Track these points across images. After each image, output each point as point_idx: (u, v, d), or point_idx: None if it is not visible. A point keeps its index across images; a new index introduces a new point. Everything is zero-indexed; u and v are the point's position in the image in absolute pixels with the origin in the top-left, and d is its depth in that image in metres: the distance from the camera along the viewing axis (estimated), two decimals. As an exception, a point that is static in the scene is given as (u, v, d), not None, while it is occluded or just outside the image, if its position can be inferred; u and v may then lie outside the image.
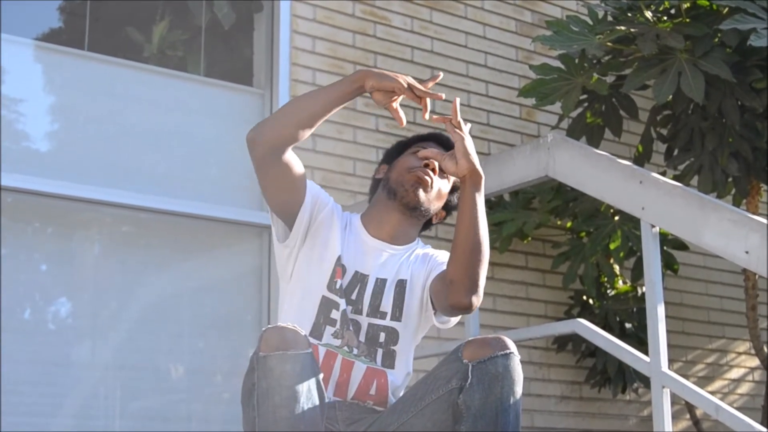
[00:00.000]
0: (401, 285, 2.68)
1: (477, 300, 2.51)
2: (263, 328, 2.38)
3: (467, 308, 2.51)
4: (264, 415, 2.30)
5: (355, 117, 4.72)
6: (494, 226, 4.86)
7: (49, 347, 4.03)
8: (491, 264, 4.93)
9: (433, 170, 2.70)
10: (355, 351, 2.63)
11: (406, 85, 2.50)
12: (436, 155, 2.59)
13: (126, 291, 4.25)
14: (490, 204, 4.88)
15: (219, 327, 4.37)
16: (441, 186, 2.73)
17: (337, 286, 2.63)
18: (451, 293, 2.51)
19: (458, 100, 2.56)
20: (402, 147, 2.84)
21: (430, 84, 2.54)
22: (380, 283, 2.66)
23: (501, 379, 2.37)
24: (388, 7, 4.96)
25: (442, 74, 2.58)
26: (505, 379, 2.38)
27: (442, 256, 2.72)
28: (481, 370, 2.38)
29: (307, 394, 2.30)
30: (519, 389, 2.40)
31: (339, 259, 2.65)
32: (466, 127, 2.53)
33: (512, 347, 2.41)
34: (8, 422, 3.81)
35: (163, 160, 4.41)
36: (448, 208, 2.81)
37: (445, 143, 2.77)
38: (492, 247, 4.89)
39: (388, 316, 2.65)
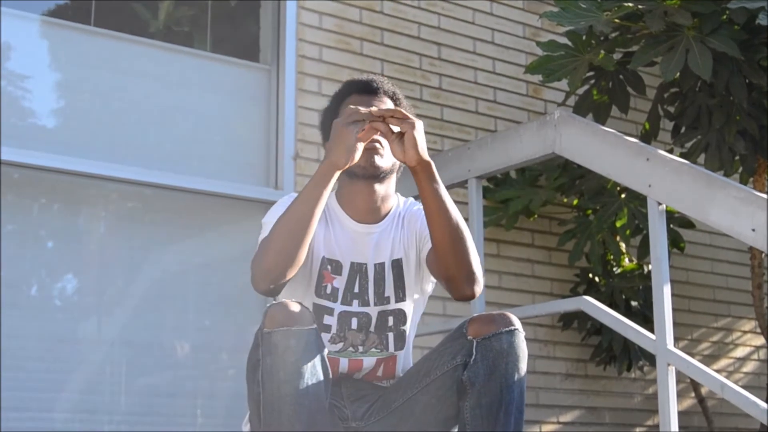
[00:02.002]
0: (398, 265, 2.62)
1: (479, 287, 2.46)
2: (267, 305, 2.37)
3: (472, 298, 2.47)
4: (269, 390, 2.30)
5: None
6: (501, 204, 4.86)
7: (54, 324, 4.03)
8: (497, 241, 4.94)
9: (378, 130, 2.48)
10: (361, 348, 2.60)
11: (360, 115, 2.43)
12: (385, 132, 2.45)
13: (131, 267, 4.25)
14: (496, 181, 4.88)
15: (224, 304, 4.37)
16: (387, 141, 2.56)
17: (328, 291, 2.58)
18: (451, 289, 2.47)
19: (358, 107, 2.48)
20: (333, 115, 2.67)
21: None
22: (379, 269, 2.61)
23: (505, 355, 2.38)
24: (394, -17, 4.94)
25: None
26: (510, 356, 2.38)
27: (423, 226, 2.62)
28: (486, 346, 2.38)
29: (312, 369, 2.30)
30: (524, 366, 2.40)
31: (323, 260, 2.58)
32: (419, 122, 2.43)
33: (517, 324, 2.41)
34: (14, 397, 3.82)
35: (169, 136, 4.41)
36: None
37: (365, 87, 2.67)
38: (498, 225, 4.89)
39: (392, 299, 2.62)
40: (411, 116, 2.43)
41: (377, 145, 2.56)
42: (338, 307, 2.57)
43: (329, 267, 2.59)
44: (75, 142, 4.17)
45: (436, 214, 2.42)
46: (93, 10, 4.35)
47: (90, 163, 4.12)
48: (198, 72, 4.54)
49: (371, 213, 2.63)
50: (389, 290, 2.61)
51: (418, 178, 2.43)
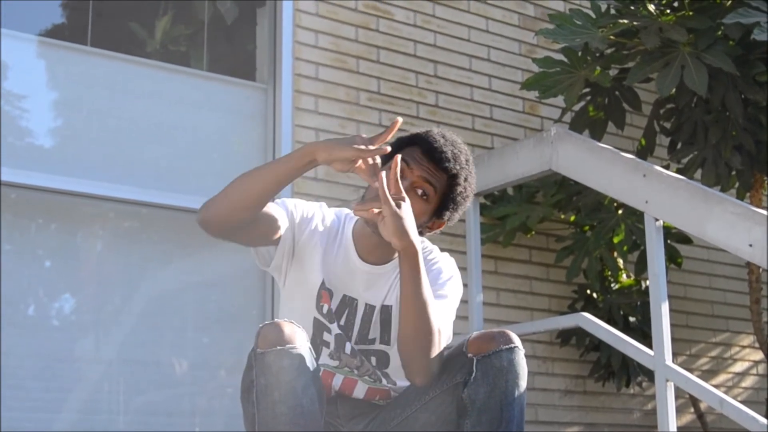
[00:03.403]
0: (386, 312, 2.57)
1: (429, 379, 2.40)
2: (260, 325, 2.36)
3: (419, 386, 2.43)
4: (263, 411, 2.29)
5: (359, 111, 4.72)
6: (498, 220, 4.86)
7: (52, 342, 4.03)
8: (494, 258, 4.94)
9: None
10: (356, 372, 2.58)
11: (357, 151, 2.30)
12: (372, 217, 2.33)
13: (129, 286, 4.25)
14: (493, 198, 4.88)
15: (223, 322, 4.36)
16: (415, 208, 2.43)
17: (324, 311, 2.54)
18: (403, 368, 2.42)
19: (400, 121, 2.34)
20: (397, 143, 2.55)
21: (391, 133, 2.34)
22: (369, 310, 2.56)
23: (506, 373, 2.37)
24: (390, 1, 4.95)
25: (401, 120, 2.36)
26: (510, 374, 2.37)
27: (434, 270, 2.55)
28: (486, 364, 2.37)
29: (306, 389, 2.29)
30: (523, 383, 2.40)
31: (323, 283, 2.54)
32: (406, 205, 2.32)
33: (517, 341, 2.40)
34: (12, 417, 3.81)
35: (166, 155, 4.41)
36: (441, 215, 2.55)
37: (429, 149, 2.50)
38: (495, 241, 4.89)
39: (377, 341, 2.58)
40: (392, 200, 2.29)
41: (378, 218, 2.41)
42: (335, 328, 2.55)
43: (327, 291, 2.56)
44: (72, 162, 4.17)
45: (405, 302, 2.35)
46: (90, 30, 4.35)
47: (87, 183, 4.12)
48: (195, 91, 4.54)
49: (378, 257, 2.57)
50: (374, 332, 2.57)
51: (400, 260, 2.35)
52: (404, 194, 2.34)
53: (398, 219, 2.30)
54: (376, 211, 2.33)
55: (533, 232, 5.04)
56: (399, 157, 2.35)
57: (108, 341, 4.18)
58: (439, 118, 4.96)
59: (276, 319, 2.37)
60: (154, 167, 4.35)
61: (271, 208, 2.48)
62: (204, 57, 4.67)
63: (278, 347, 2.28)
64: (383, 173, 2.30)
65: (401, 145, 2.53)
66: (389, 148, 2.33)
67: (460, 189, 2.53)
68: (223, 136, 4.53)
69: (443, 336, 2.40)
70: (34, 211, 4.08)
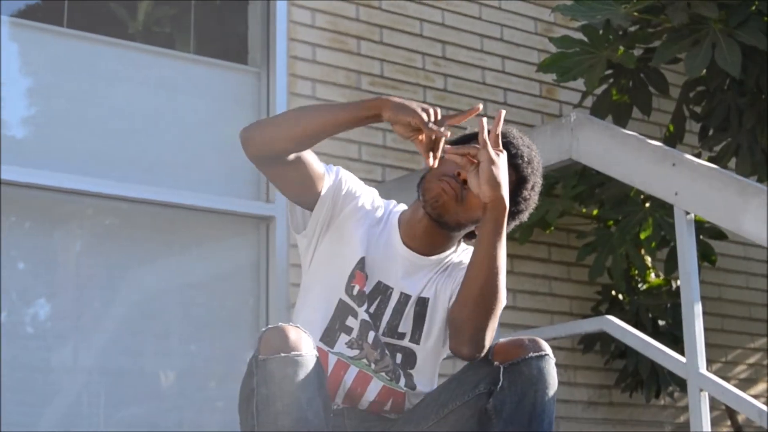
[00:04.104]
0: (422, 304, 2.59)
1: (478, 352, 2.43)
2: (262, 329, 2.36)
3: (465, 359, 2.46)
4: (264, 423, 2.29)
5: (359, 96, 4.70)
6: (513, 215, 4.86)
7: (26, 351, 4.04)
8: (510, 257, 4.91)
9: (464, 178, 2.49)
10: (373, 366, 2.58)
11: (426, 119, 2.37)
12: (465, 162, 2.43)
13: (110, 289, 4.25)
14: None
15: (212, 327, 4.37)
16: (470, 197, 2.52)
17: (355, 292, 2.56)
18: (451, 336, 2.47)
19: (503, 113, 2.43)
20: (462, 138, 2.63)
21: (466, 117, 2.43)
22: (403, 300, 2.59)
23: (535, 382, 2.39)
24: (394, -23, 4.95)
25: (481, 105, 2.46)
26: (540, 383, 2.39)
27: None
28: (514, 372, 2.39)
29: (312, 400, 2.29)
30: (554, 395, 2.42)
31: (361, 261, 2.57)
32: (503, 156, 2.41)
33: (548, 349, 2.43)
34: (-17, 433, 3.82)
35: (150, 146, 4.41)
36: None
37: (505, 143, 2.54)
38: (511, 238, 4.87)
39: (407, 338, 2.60)
40: (492, 150, 2.38)
41: (452, 191, 2.51)
42: (362, 313, 2.56)
43: (362, 271, 2.57)
44: (47, 154, 4.18)
45: (480, 258, 2.40)
46: (66, 10, 4.36)
47: (64, 177, 4.12)
48: (181, 76, 4.55)
49: (422, 245, 2.61)
50: (405, 326, 2.59)
51: (484, 216, 2.40)
52: (502, 148, 2.42)
53: (495, 167, 2.37)
54: (472, 154, 2.40)
55: (552, 228, 5.04)
56: (485, 120, 2.41)
57: (87, 349, 4.18)
58: (448, 104, 4.95)
59: (280, 323, 2.37)
60: (137, 159, 4.36)
61: (320, 164, 2.57)
62: (191, 39, 4.68)
63: (282, 354, 2.28)
64: (484, 120, 2.40)
65: (471, 137, 2.60)
66: (449, 133, 2.38)
67: (525, 194, 2.61)
68: (212, 125, 4.53)
69: (500, 311, 2.44)
70: (5, 208, 4.08)
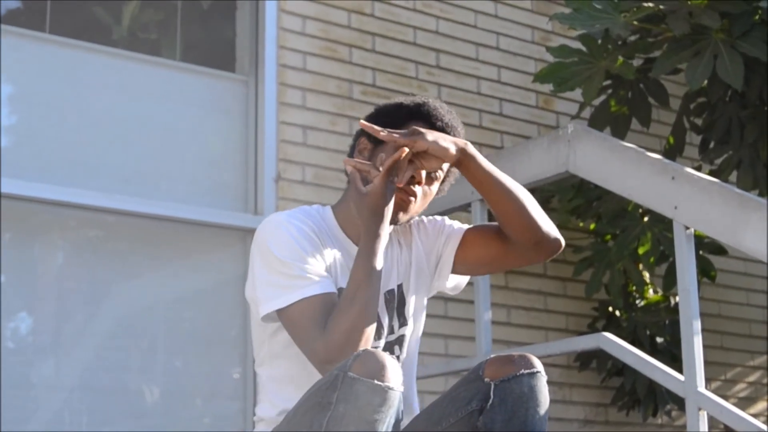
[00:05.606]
0: (399, 290, 2.64)
1: (554, 232, 2.63)
2: (362, 348, 2.32)
3: (560, 248, 2.65)
4: None
5: (351, 106, 4.71)
6: (508, 229, 4.86)
7: (6, 367, 4.02)
8: (505, 272, 4.93)
9: (419, 182, 2.56)
10: None
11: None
12: (422, 165, 2.51)
13: (93, 303, 4.24)
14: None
15: (198, 343, 4.36)
16: (427, 190, 2.61)
17: None
18: (538, 252, 2.63)
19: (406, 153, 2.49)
20: (390, 123, 2.64)
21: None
22: (389, 297, 2.62)
23: (526, 400, 2.38)
24: (387, -17, 4.96)
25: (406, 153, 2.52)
26: (531, 401, 2.39)
27: (438, 223, 2.71)
28: (505, 389, 2.39)
29: None
30: (545, 413, 2.41)
31: (341, 291, 2.54)
32: (423, 135, 2.49)
33: (539, 366, 2.42)
34: (-40, 452, 3.81)
35: (133, 156, 4.40)
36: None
37: (441, 128, 2.62)
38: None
39: (396, 328, 2.63)
40: (403, 136, 2.49)
41: (411, 198, 2.57)
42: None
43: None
44: (28, 164, 4.17)
45: (497, 191, 2.55)
46: (48, 16, 4.35)
47: (45, 188, 4.11)
48: (166, 84, 4.55)
49: None
50: (399, 320, 2.64)
51: (463, 167, 2.53)
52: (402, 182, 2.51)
53: (431, 136, 2.49)
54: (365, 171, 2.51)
55: (548, 242, 5.03)
56: (407, 150, 2.48)
57: (69, 366, 4.17)
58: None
59: (378, 349, 2.39)
60: (121, 169, 4.35)
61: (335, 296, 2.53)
62: (177, 45, 4.67)
63: (375, 381, 2.24)
64: (406, 149, 2.48)
65: (403, 116, 2.66)
66: (407, 150, 2.46)
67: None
68: (198, 135, 4.53)
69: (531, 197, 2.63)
70: (-15, 219, 4.07)
